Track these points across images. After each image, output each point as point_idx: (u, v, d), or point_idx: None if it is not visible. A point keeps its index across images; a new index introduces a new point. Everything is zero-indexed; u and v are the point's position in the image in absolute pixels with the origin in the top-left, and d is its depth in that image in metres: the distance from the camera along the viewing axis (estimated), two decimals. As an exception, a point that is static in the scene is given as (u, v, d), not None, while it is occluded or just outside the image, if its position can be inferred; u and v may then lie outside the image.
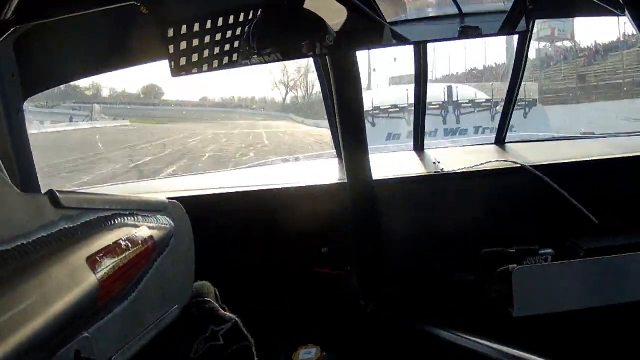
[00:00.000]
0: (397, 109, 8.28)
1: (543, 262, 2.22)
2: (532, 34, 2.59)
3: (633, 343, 2.05)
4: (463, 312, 2.30)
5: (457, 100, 9.32)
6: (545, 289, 2.11)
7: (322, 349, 2.26)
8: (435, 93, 9.46)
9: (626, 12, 1.59)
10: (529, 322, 2.09)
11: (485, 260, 2.25)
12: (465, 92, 9.74)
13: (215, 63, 1.67)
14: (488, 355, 2.06)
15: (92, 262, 0.83)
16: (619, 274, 2.09)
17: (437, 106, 9.08)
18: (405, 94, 7.42)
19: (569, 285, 2.09)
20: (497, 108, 9.10)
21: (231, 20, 1.59)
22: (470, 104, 9.38)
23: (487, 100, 9.62)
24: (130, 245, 0.92)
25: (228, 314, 1.36)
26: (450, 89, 9.95)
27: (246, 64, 1.72)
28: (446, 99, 9.65)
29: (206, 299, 1.35)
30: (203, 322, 1.29)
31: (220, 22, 1.57)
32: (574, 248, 2.27)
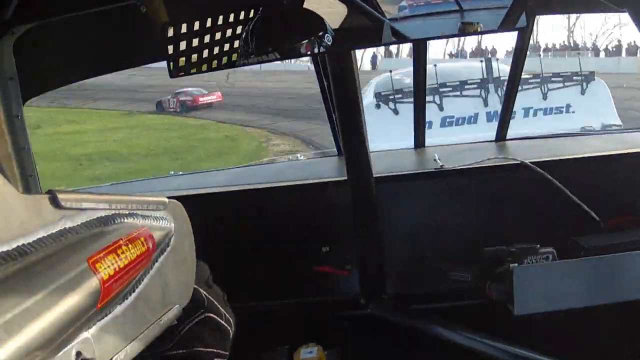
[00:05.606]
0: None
1: (544, 260, 2.21)
2: (532, 30, 2.57)
3: (633, 341, 2.05)
4: (463, 311, 2.29)
5: (499, 77, 7.73)
6: (545, 288, 2.10)
7: (323, 348, 2.26)
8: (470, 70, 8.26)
9: (626, 8, 1.58)
10: (528, 321, 2.09)
11: (486, 258, 2.25)
12: (505, 67, 7.88)
13: (214, 63, 1.67)
14: (488, 353, 2.06)
15: (93, 262, 0.82)
16: (620, 272, 2.08)
17: (475, 85, 7.81)
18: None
19: (570, 283, 2.08)
20: (549, 85, 8.11)
21: (231, 18, 1.59)
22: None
23: (534, 76, 8.19)
24: (130, 245, 0.92)
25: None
26: (489, 63, 8.19)
27: (244, 64, 1.72)
28: (485, 76, 8.04)
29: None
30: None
31: (220, 20, 1.57)
32: (574, 246, 2.27)
